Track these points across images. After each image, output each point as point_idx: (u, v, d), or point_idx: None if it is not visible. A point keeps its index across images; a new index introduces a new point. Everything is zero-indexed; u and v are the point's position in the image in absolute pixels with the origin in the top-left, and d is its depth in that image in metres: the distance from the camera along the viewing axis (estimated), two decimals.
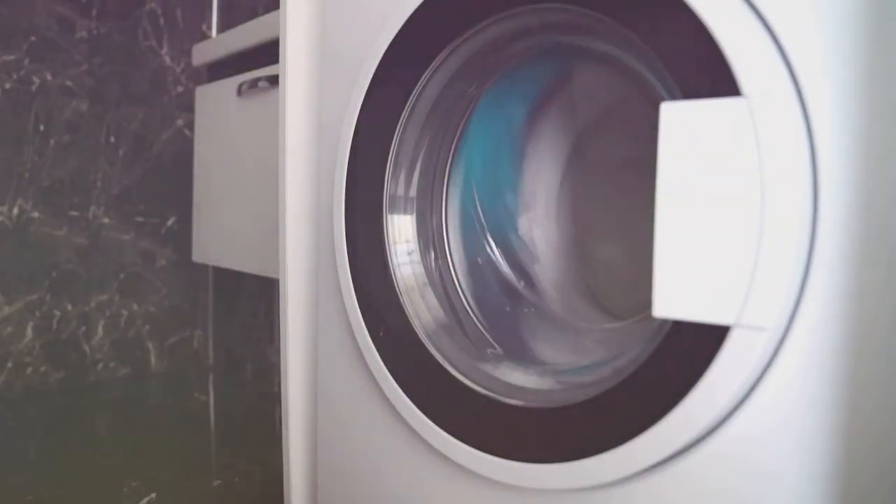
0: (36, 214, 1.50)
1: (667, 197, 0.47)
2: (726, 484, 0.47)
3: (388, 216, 0.69)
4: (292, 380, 0.82)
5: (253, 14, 1.66)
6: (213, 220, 1.34)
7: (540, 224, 0.81)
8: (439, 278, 0.72)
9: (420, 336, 0.66)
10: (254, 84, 1.16)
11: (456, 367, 0.64)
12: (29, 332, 1.51)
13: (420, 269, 0.71)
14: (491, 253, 0.77)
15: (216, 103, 1.32)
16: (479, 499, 0.62)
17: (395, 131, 0.68)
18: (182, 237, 1.74)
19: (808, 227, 0.43)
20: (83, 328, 1.59)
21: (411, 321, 0.67)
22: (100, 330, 1.62)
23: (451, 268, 0.74)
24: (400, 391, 0.66)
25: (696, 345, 0.47)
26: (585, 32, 0.60)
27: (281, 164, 0.81)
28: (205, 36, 1.73)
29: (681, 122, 0.47)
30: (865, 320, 0.42)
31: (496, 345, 0.70)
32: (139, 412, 1.43)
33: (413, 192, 0.71)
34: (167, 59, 1.68)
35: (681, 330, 0.48)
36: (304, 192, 0.81)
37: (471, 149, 0.75)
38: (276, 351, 1.62)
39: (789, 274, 0.43)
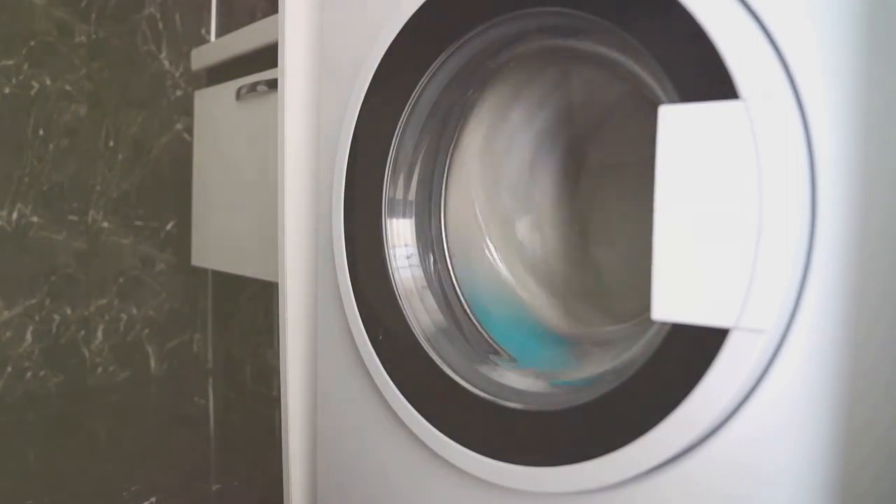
0: (35, 219, 1.50)
1: (665, 200, 0.47)
2: (726, 486, 0.47)
3: (388, 220, 0.69)
4: (292, 383, 0.82)
5: (252, 18, 1.66)
6: (213, 223, 1.34)
7: (539, 227, 0.81)
8: (438, 282, 0.72)
9: (419, 339, 0.66)
10: (252, 88, 1.16)
11: (455, 371, 0.64)
12: (28, 336, 1.51)
13: (419, 272, 0.71)
14: (490, 256, 0.78)
15: (215, 107, 1.32)
16: (478, 502, 0.62)
17: (393, 135, 0.68)
18: (181, 241, 1.74)
19: (806, 228, 0.43)
20: (82, 332, 1.59)
21: (410, 325, 0.67)
22: (99, 334, 1.62)
23: (450, 271, 0.74)
24: (399, 395, 0.66)
25: (696, 347, 0.47)
26: (584, 36, 0.61)
27: (280, 167, 0.81)
28: (203, 40, 1.74)
29: (679, 125, 0.47)
30: (865, 321, 0.42)
31: (495, 348, 0.70)
32: (139, 416, 1.42)
33: (412, 195, 0.71)
34: (166, 64, 1.68)
35: (680, 332, 0.48)
36: (303, 196, 0.81)
37: (470, 152, 0.75)
38: (276, 354, 1.61)
39: (788, 276, 0.43)
